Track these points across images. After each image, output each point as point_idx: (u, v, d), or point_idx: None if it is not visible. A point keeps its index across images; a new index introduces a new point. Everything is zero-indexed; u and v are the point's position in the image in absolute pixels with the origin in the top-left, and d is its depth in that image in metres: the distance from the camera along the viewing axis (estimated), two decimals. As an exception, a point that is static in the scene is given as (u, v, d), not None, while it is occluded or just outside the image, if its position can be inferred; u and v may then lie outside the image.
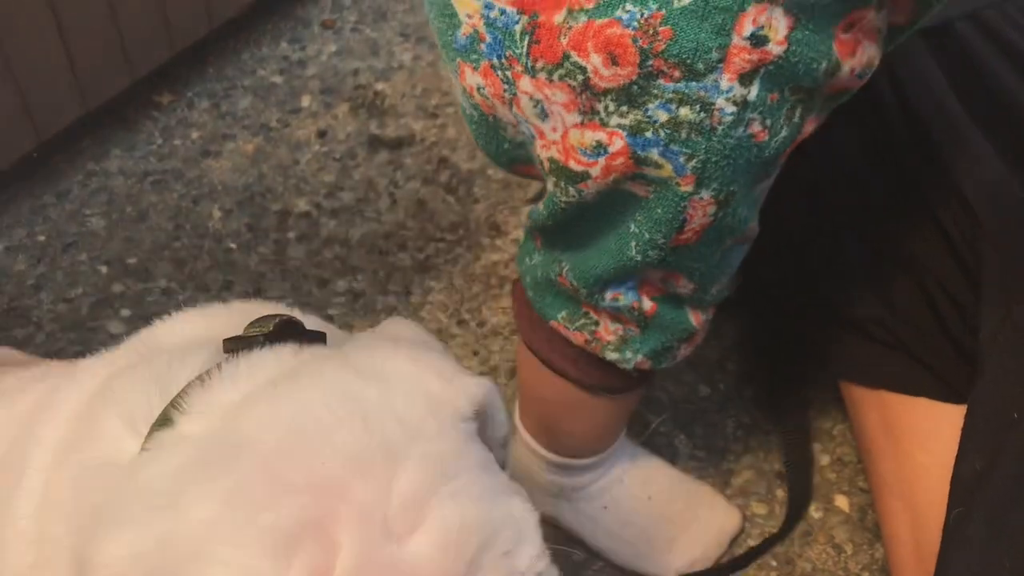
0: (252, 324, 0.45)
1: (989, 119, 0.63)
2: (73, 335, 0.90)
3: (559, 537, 0.75)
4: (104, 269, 0.96)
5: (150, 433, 0.38)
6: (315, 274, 0.97)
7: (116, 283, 0.95)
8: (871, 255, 0.68)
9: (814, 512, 0.78)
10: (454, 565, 0.33)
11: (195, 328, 0.49)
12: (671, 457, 0.80)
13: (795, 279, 0.74)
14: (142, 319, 0.89)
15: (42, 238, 0.99)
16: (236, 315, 0.50)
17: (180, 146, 1.09)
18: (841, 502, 0.79)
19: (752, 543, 0.76)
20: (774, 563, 0.75)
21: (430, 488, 0.34)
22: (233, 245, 0.99)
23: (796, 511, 0.76)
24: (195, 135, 1.11)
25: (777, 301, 0.76)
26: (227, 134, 1.11)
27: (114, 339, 0.87)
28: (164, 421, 0.38)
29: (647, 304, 0.60)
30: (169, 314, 0.53)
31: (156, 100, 1.14)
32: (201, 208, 1.03)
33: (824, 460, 0.81)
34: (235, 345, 0.43)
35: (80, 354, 0.85)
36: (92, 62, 0.97)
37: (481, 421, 0.39)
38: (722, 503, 0.76)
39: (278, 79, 1.19)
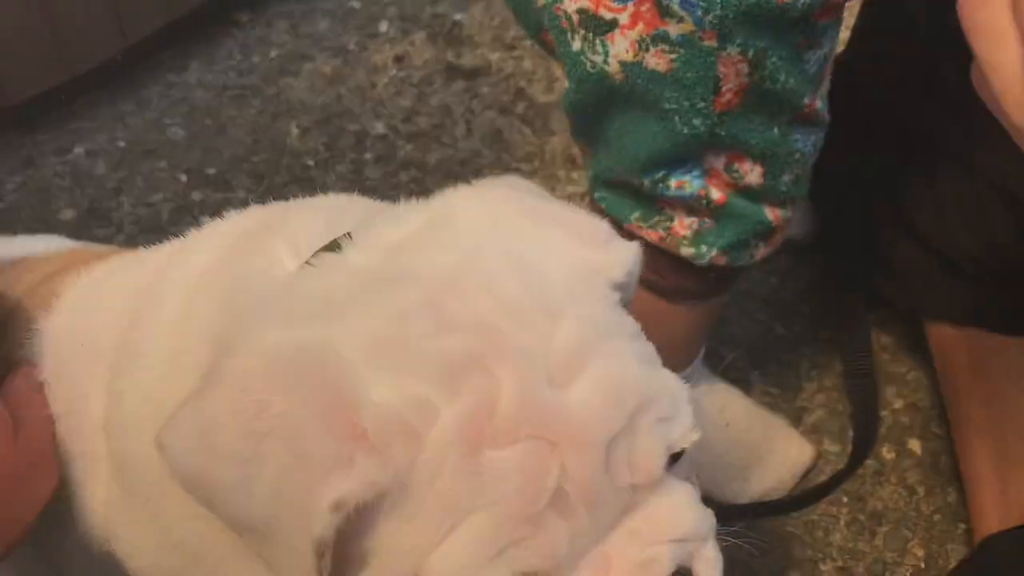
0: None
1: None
2: (152, 237, 0.90)
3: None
4: (184, 177, 0.97)
5: (315, 255, 0.38)
6: (391, 195, 0.95)
7: (195, 191, 0.96)
8: (969, 190, 0.67)
9: (887, 453, 0.78)
10: (614, 414, 0.34)
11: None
12: (745, 392, 0.80)
13: (887, 213, 0.73)
14: (222, 226, 0.90)
15: (122, 144, 1.00)
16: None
17: (259, 63, 1.10)
18: (914, 445, 0.79)
19: (824, 480, 0.76)
20: (845, 499, 0.75)
21: (590, 343, 0.34)
22: (311, 162, 0.99)
23: (862, 449, 0.76)
24: (274, 54, 1.11)
25: (868, 235, 0.75)
26: (305, 55, 1.11)
27: (194, 244, 0.88)
28: (332, 246, 0.39)
29: (716, 194, 0.59)
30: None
31: (235, 18, 1.14)
32: (279, 124, 1.03)
33: (898, 404, 0.81)
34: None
35: (161, 256, 0.87)
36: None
37: (625, 287, 0.39)
38: (797, 437, 0.76)
39: (356, 4, 1.18)
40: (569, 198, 0.97)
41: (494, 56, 1.12)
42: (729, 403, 0.75)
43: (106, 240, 0.91)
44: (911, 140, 0.72)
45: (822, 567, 0.72)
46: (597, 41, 0.53)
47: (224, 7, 1.13)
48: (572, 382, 0.34)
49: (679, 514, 0.37)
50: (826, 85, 0.59)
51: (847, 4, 0.54)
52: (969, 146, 0.66)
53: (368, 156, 1.00)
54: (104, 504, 0.45)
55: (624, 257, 0.38)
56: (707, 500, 0.40)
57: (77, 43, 0.96)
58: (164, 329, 0.42)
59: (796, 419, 0.80)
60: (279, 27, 1.15)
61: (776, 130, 0.57)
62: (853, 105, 0.68)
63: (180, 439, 0.34)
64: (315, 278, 0.37)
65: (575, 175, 0.99)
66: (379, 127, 1.04)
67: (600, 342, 0.35)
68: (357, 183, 0.97)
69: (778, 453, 0.74)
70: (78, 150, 0.99)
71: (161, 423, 0.35)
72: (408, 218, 0.40)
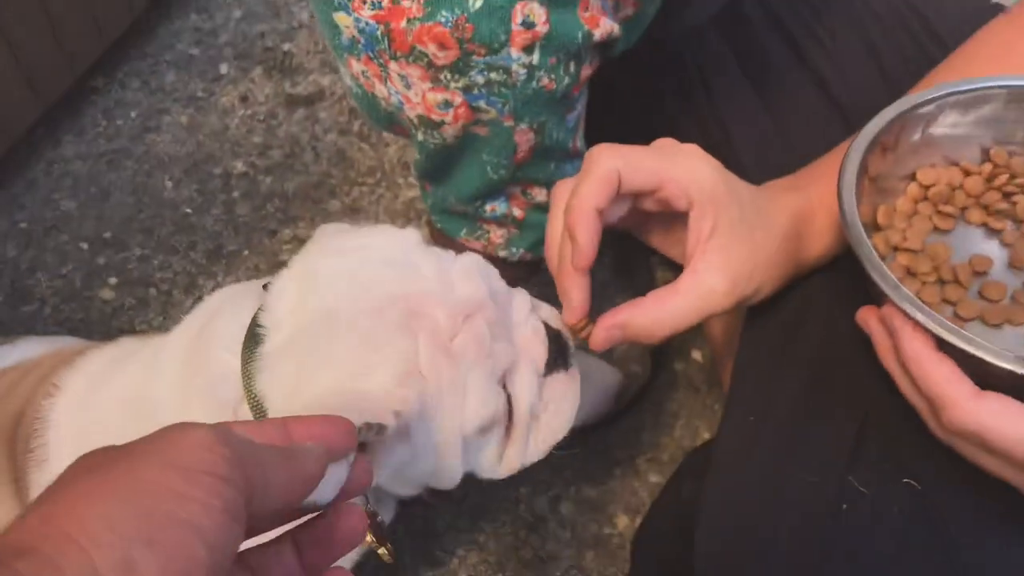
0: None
1: (761, 81, 0.86)
2: (74, 305, 1.09)
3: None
4: (85, 246, 1.14)
5: (245, 348, 0.59)
6: (262, 226, 1.16)
7: (99, 256, 1.13)
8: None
9: (676, 365, 1.04)
10: (480, 287, 0.60)
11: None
12: (567, 338, 1.04)
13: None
14: (128, 284, 1.09)
15: (24, 225, 1.16)
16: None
17: (123, 125, 1.26)
18: (696, 355, 1.05)
19: (633, 394, 1.02)
20: (649, 406, 1.01)
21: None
22: (189, 210, 1.18)
23: (658, 365, 1.02)
24: (133, 113, 1.27)
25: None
26: (161, 108, 1.28)
27: (108, 304, 1.08)
28: (254, 339, 0.59)
29: (517, 212, 0.83)
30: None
31: (92, 84, 1.30)
32: (154, 180, 1.20)
33: (682, 324, 1.07)
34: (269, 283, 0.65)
35: (83, 321, 1.05)
36: (42, 70, 1.12)
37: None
38: (607, 366, 1.01)
39: (195, 50, 1.35)
40: (411, 201, 1.18)
41: (325, 80, 1.31)
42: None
43: (32, 314, 1.08)
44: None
45: (638, 461, 0.98)
46: (434, 131, 0.74)
47: (79, 76, 1.28)
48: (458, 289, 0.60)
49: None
50: (581, 129, 0.81)
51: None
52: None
53: (235, 195, 1.19)
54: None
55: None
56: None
57: (23, 75, 1.10)
58: (169, 413, 0.62)
59: (607, 354, 1.05)
60: (132, 86, 1.30)
61: (553, 165, 0.79)
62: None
63: None
64: (276, 365, 0.58)
65: (411, 180, 1.20)
66: (239, 166, 1.22)
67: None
68: (231, 222, 1.16)
69: (593, 381, 0.99)
70: (-13, 239, 1.15)
71: None
72: (283, 290, 0.61)
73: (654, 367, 1.02)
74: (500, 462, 0.65)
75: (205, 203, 1.18)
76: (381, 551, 0.58)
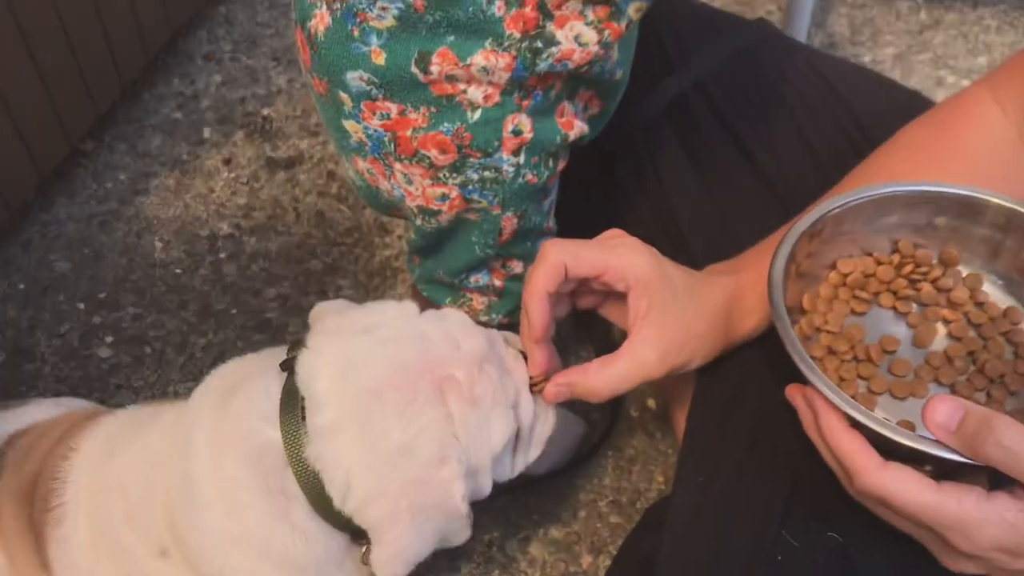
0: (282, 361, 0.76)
1: (706, 168, 0.97)
2: (72, 363, 1.17)
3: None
4: (81, 305, 1.22)
5: (285, 421, 0.69)
6: (248, 286, 1.25)
7: (94, 315, 1.21)
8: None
9: (633, 412, 1.14)
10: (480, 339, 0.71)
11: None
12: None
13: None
14: (123, 342, 1.17)
15: (22, 286, 1.23)
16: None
17: (112, 188, 1.34)
18: (651, 403, 1.15)
19: (595, 441, 1.11)
20: (610, 452, 1.11)
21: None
22: (179, 270, 1.26)
23: (616, 414, 1.12)
24: (122, 176, 1.35)
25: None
26: (148, 172, 1.36)
27: (106, 362, 1.15)
28: (295, 415, 0.68)
29: (497, 282, 0.93)
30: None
31: (81, 148, 1.37)
32: (144, 241, 1.28)
33: (638, 375, 1.17)
34: (288, 363, 0.74)
35: (82, 379, 1.13)
36: (39, 139, 1.20)
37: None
38: (571, 416, 1.11)
39: (179, 115, 1.43)
40: (387, 260, 1.27)
41: (304, 144, 1.40)
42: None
43: (33, 373, 1.15)
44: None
45: (600, 504, 1.08)
46: (432, 218, 0.84)
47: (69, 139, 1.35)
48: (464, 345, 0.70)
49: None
50: (553, 210, 0.91)
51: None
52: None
53: (222, 255, 1.27)
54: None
55: None
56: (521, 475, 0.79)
57: (19, 141, 1.16)
58: (211, 489, 0.70)
59: (571, 404, 1.14)
60: (120, 150, 1.38)
61: (530, 243, 0.89)
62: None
63: None
64: (332, 437, 0.68)
65: (387, 240, 1.29)
66: (225, 227, 1.30)
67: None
68: (219, 281, 1.25)
69: (559, 432, 1.09)
70: (-13, 299, 1.22)
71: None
72: (316, 369, 0.70)
73: (613, 416, 1.12)
74: (513, 471, 0.78)
75: (194, 264, 1.26)
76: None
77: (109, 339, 1.19)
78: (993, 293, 0.75)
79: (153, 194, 1.33)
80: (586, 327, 1.19)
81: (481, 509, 1.03)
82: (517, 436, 0.77)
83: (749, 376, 0.79)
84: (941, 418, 0.58)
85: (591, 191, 1.04)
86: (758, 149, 0.99)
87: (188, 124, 1.41)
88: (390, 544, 0.66)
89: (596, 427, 1.13)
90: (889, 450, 0.61)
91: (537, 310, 0.73)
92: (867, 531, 0.66)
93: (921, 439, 0.60)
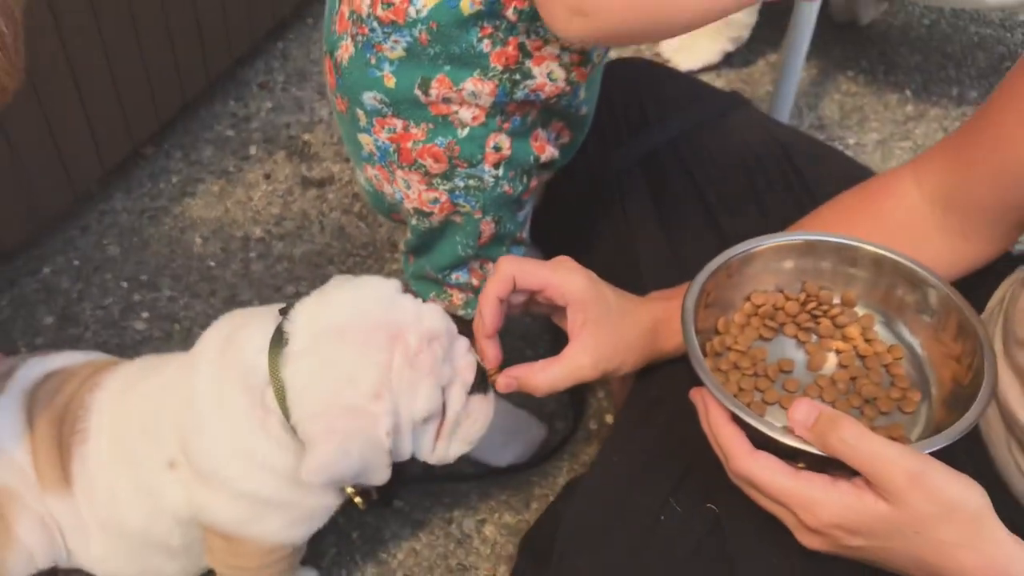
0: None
1: (667, 216, 1.12)
2: (111, 331, 1.34)
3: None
4: (124, 284, 1.39)
5: (272, 349, 0.84)
6: (271, 283, 1.42)
7: (135, 294, 1.38)
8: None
9: (592, 425, 1.28)
10: (441, 323, 0.85)
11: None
12: (507, 397, 1.29)
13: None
14: (157, 319, 1.34)
15: (76, 263, 1.41)
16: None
17: (164, 188, 1.52)
18: (608, 419, 1.29)
19: (555, 445, 1.25)
20: (567, 456, 1.25)
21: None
22: (212, 263, 1.43)
23: (576, 424, 1.26)
24: (174, 179, 1.54)
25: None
26: (197, 178, 1.54)
27: (140, 334, 1.32)
28: (279, 341, 0.83)
29: (475, 281, 1.09)
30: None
31: (141, 151, 1.56)
32: (187, 236, 1.46)
33: (601, 393, 1.32)
34: (285, 309, 0.89)
35: (118, 346, 1.30)
36: (106, 136, 1.39)
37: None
38: (536, 421, 1.25)
39: (230, 132, 1.62)
40: (393, 272, 1.44)
41: (336, 168, 1.58)
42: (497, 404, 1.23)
43: (76, 336, 1.33)
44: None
45: (551, 498, 1.21)
46: (425, 219, 1.00)
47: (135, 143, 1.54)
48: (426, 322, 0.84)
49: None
50: (527, 224, 1.07)
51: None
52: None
53: (252, 255, 1.45)
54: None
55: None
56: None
57: (42, 196, 1.35)
58: (211, 404, 0.86)
59: (538, 410, 1.29)
60: (175, 156, 1.57)
61: (504, 248, 1.05)
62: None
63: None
64: (296, 361, 0.83)
65: (396, 256, 1.46)
66: (258, 231, 1.48)
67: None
68: (246, 276, 1.42)
69: (523, 433, 1.23)
70: (46, 270, 1.40)
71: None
72: (302, 311, 0.86)
73: (574, 424, 1.26)
74: (433, 451, 0.89)
75: (227, 259, 1.44)
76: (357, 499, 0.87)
77: (145, 315, 1.36)
78: (882, 332, 0.88)
79: (199, 197, 1.51)
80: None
81: (446, 492, 1.18)
82: (442, 423, 0.89)
83: (673, 383, 0.94)
84: (800, 416, 0.72)
85: (570, 220, 1.20)
86: (719, 208, 1.13)
87: (237, 141, 1.60)
88: (319, 456, 0.80)
89: (558, 433, 1.27)
90: (766, 445, 0.75)
91: (489, 311, 0.87)
92: (739, 507, 0.79)
93: (781, 430, 0.74)
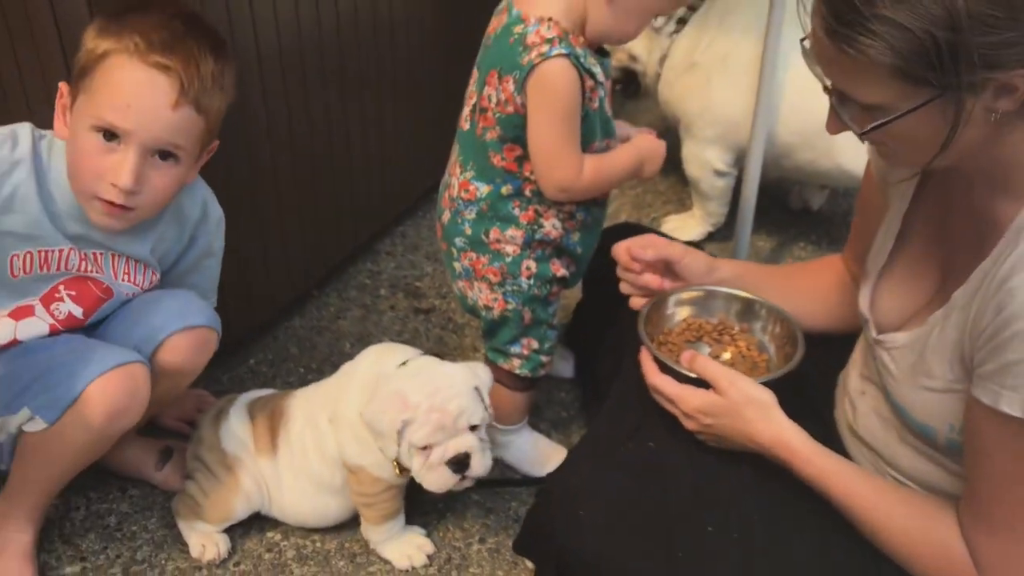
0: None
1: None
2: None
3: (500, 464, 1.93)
4: (301, 370, 2.17)
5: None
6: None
7: (308, 376, 2.15)
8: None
9: (597, 455, 1.98)
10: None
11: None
12: (546, 435, 2.00)
13: (605, 361, 1.97)
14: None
15: (270, 357, 2.20)
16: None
17: (325, 314, 2.33)
18: (609, 452, 1.98)
19: (573, 467, 1.94)
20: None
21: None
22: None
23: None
24: (332, 308, 2.34)
25: (593, 369, 1.99)
26: (347, 308, 2.35)
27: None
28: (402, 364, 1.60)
29: (525, 352, 1.79)
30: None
31: (311, 292, 2.38)
32: (340, 343, 2.24)
33: (605, 438, 2.02)
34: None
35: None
36: (289, 279, 2.21)
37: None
38: (564, 451, 1.94)
39: (367, 281, 2.44)
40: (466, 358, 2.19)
41: (436, 302, 2.37)
42: (536, 438, 1.95)
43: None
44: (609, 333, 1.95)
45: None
46: (490, 312, 1.79)
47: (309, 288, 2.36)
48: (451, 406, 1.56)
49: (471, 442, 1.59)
50: (555, 315, 1.82)
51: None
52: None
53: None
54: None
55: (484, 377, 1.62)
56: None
57: (245, 315, 2.16)
58: (356, 385, 1.63)
59: (566, 441, 1.98)
60: (332, 295, 2.38)
61: (542, 330, 1.79)
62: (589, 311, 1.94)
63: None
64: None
65: (476, 356, 2.21)
66: (386, 339, 2.26)
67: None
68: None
69: (556, 459, 1.92)
70: (251, 361, 2.19)
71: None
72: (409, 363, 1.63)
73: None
74: (412, 467, 1.60)
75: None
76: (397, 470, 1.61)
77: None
78: (762, 347, 1.58)
79: (348, 320, 2.31)
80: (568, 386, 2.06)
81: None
82: (426, 459, 1.55)
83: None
84: (684, 357, 1.44)
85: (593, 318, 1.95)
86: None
87: (372, 286, 2.42)
88: (368, 407, 1.56)
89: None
90: (670, 374, 1.43)
91: (620, 249, 1.57)
92: (673, 437, 1.46)
93: (676, 364, 1.44)
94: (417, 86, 2.43)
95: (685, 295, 1.60)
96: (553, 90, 1.50)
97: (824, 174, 2.38)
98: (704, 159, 2.42)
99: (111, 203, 1.40)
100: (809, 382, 1.51)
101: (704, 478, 1.43)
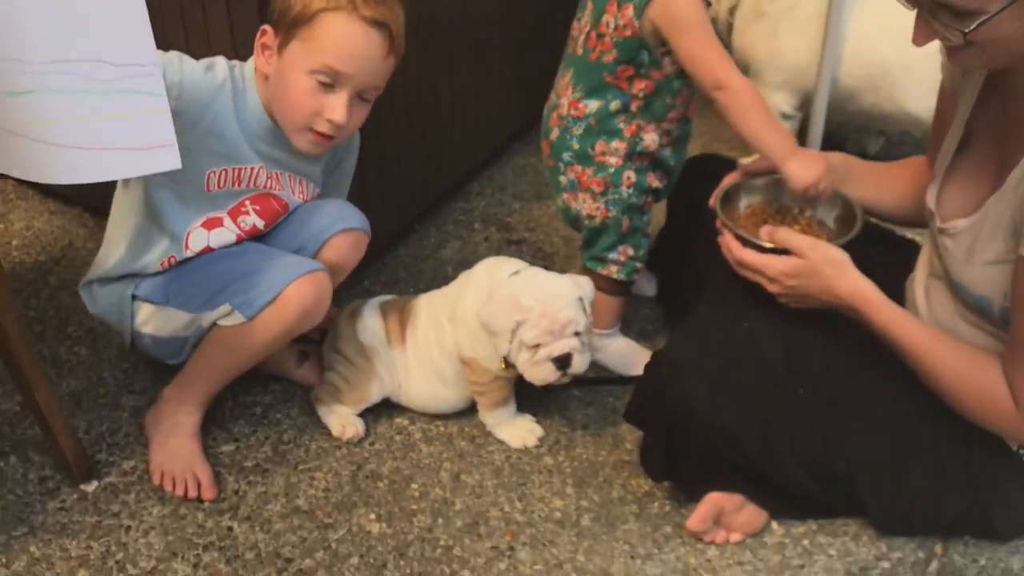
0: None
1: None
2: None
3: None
4: (411, 290, 2.40)
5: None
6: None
7: (414, 287, 2.39)
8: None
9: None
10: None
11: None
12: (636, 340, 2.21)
13: (689, 279, 2.19)
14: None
15: (383, 279, 2.43)
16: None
17: (427, 244, 2.55)
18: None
19: (662, 369, 2.15)
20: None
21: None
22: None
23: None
24: (432, 240, 2.57)
25: (679, 290, 2.21)
26: (446, 240, 2.57)
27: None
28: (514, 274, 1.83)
29: (622, 258, 2.02)
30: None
31: (414, 225, 2.61)
32: (442, 268, 2.47)
33: (690, 345, 2.23)
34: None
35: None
36: (397, 211, 2.44)
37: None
38: (650, 352, 2.15)
39: (462, 217, 2.66)
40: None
41: (526, 234, 2.59)
42: (628, 342, 2.16)
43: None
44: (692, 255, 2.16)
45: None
46: (593, 220, 2.00)
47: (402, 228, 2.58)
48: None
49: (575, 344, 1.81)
50: (649, 223, 2.04)
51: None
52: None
53: (481, 278, 2.45)
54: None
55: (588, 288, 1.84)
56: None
57: (386, 219, 2.39)
58: (473, 289, 1.87)
59: (653, 347, 2.19)
60: (431, 229, 2.61)
61: (637, 236, 2.03)
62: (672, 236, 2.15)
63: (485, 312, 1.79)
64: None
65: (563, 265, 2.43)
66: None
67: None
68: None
69: (643, 359, 2.13)
70: (368, 280, 2.42)
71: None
72: (519, 271, 1.85)
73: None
74: (519, 363, 1.82)
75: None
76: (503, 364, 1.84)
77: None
78: (822, 225, 1.78)
79: (447, 250, 2.54)
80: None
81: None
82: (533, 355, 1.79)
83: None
84: (764, 231, 1.65)
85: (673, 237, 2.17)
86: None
87: (466, 221, 2.64)
88: (485, 307, 1.79)
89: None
90: (752, 247, 1.65)
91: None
92: (767, 315, 1.68)
93: (757, 238, 1.65)
94: (509, 43, 2.65)
95: (753, 183, 1.81)
96: (676, 8, 1.71)
97: (886, 116, 2.57)
98: (772, 103, 2.62)
99: (322, 134, 1.66)
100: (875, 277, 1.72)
101: (795, 354, 1.65)
